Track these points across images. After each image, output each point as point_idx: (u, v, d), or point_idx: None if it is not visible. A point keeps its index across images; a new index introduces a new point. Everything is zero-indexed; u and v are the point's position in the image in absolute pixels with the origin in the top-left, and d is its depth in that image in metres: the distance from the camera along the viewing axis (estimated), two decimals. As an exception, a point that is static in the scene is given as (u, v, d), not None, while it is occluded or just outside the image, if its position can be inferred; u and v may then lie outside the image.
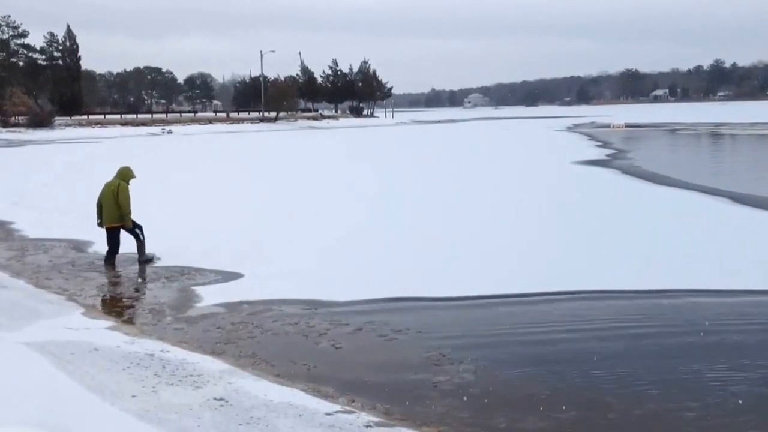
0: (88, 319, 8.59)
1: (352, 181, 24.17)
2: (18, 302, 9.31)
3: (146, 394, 5.99)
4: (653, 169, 26.85)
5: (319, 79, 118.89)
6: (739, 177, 24.40)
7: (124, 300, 9.85)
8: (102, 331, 8.11)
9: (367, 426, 5.56)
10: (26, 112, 71.01)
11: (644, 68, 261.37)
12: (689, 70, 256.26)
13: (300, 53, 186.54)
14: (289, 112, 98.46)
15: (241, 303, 9.29)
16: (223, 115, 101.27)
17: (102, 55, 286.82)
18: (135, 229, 11.72)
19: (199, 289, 10.03)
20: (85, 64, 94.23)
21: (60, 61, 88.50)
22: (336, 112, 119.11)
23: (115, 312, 9.20)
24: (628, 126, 72.38)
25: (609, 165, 29.12)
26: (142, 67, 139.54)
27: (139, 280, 10.78)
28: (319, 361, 7.16)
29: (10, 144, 54.08)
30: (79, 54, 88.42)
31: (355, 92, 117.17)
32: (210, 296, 9.65)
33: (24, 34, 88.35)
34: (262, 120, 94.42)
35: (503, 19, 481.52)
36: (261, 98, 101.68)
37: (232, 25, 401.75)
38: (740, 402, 6.02)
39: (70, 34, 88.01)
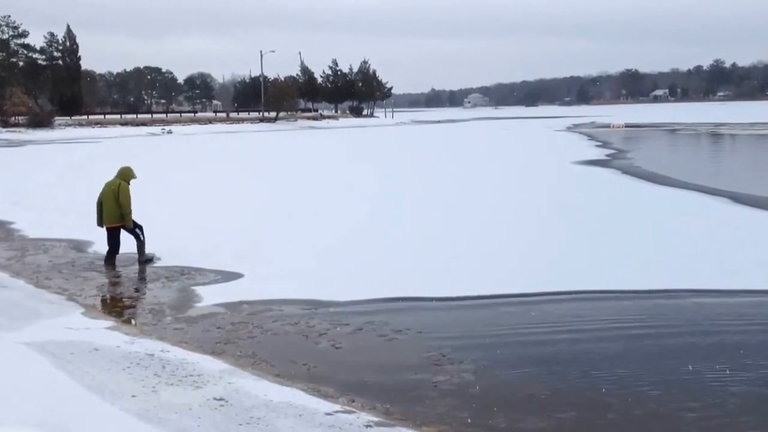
0: (88, 319, 8.59)
1: (352, 181, 24.17)
2: (18, 302, 9.31)
3: (146, 394, 5.99)
4: (653, 169, 26.85)
5: (319, 79, 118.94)
6: (739, 177, 24.41)
7: (124, 300, 9.84)
8: (102, 331, 8.11)
9: (367, 426, 5.56)
10: (26, 112, 71.00)
11: (644, 68, 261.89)
12: (689, 70, 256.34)
13: (300, 53, 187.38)
14: (289, 112, 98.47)
15: (241, 303, 9.29)
16: (223, 115, 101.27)
17: (102, 55, 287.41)
18: (135, 229, 11.72)
19: (199, 289, 10.02)
20: (85, 64, 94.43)
21: (60, 61, 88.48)
22: (336, 112, 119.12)
23: (115, 312, 9.20)
24: (627, 126, 72.41)
25: (609, 165, 29.12)
26: (142, 67, 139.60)
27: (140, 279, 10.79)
28: (319, 361, 7.16)
29: (10, 144, 54.08)
30: (79, 54, 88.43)
31: (355, 92, 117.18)
32: (210, 296, 9.64)
33: (24, 34, 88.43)
34: (262, 120, 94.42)
35: (503, 19, 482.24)
36: (261, 98, 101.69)
37: (232, 25, 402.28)
38: (741, 402, 6.02)
39: (70, 34, 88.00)
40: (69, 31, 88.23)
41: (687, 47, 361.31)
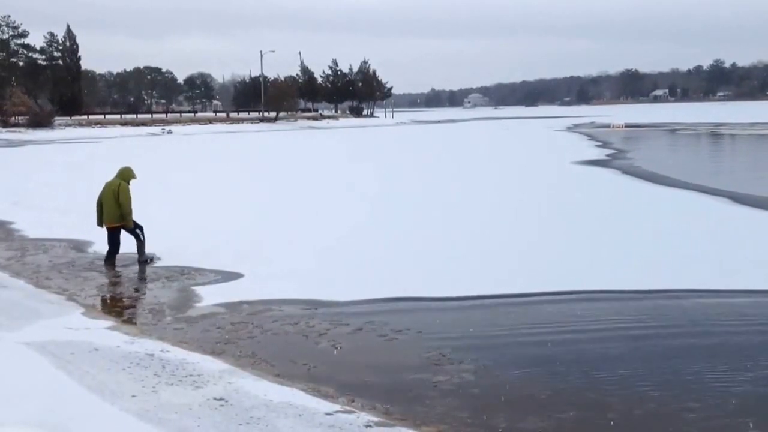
0: (88, 319, 8.59)
1: (352, 181, 24.17)
2: (18, 302, 9.31)
3: (146, 394, 5.99)
4: (653, 169, 26.85)
5: (319, 79, 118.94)
6: (739, 177, 24.41)
7: (124, 300, 9.84)
8: (102, 331, 8.11)
9: (367, 426, 5.56)
10: (26, 112, 71.01)
11: (644, 68, 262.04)
12: (689, 70, 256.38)
13: (300, 53, 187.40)
14: (289, 112, 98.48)
15: (241, 303, 9.29)
16: (223, 115, 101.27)
17: (102, 55, 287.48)
18: (135, 230, 11.72)
19: (199, 289, 10.02)
20: (85, 64, 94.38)
21: (60, 61, 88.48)
22: (336, 112, 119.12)
23: (115, 312, 9.20)
24: (627, 126, 72.40)
25: (609, 165, 29.12)
26: (142, 67, 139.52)
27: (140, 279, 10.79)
28: (319, 361, 7.16)
29: (10, 144, 54.08)
30: (79, 54, 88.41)
31: (355, 92, 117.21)
32: (210, 296, 9.64)
33: (24, 34, 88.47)
34: (262, 120, 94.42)
35: (503, 19, 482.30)
36: (261, 98, 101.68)
37: (232, 25, 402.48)
38: (741, 402, 6.02)
39: (70, 34, 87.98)
40: (69, 31, 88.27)
41: (687, 47, 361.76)
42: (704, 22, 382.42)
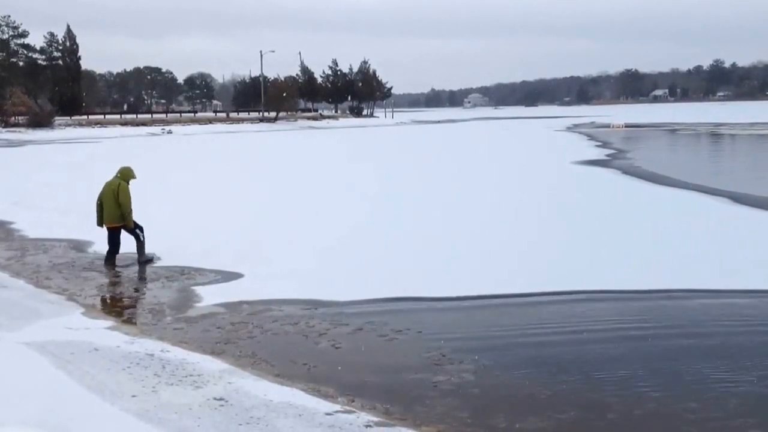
0: (88, 319, 8.59)
1: (352, 181, 24.17)
2: (18, 302, 9.31)
3: (146, 394, 5.99)
4: (653, 169, 26.86)
5: (319, 79, 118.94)
6: (739, 177, 24.41)
7: (124, 300, 9.84)
8: (102, 331, 8.11)
9: (367, 426, 5.56)
10: (26, 112, 71.02)
11: (644, 68, 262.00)
12: (689, 70, 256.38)
13: (300, 53, 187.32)
14: (288, 112, 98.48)
15: (241, 303, 9.29)
16: (223, 115, 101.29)
17: (102, 55, 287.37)
18: (135, 230, 11.71)
19: (199, 289, 10.02)
20: (85, 64, 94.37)
21: (60, 61, 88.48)
22: (336, 112, 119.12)
23: (115, 312, 9.20)
24: (627, 126, 72.41)
25: (609, 165, 29.12)
26: (142, 67, 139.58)
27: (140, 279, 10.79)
28: (319, 361, 7.16)
29: (10, 144, 54.07)
30: (79, 54, 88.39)
31: (355, 92, 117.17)
32: (210, 296, 9.64)
33: (24, 34, 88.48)
34: (262, 120, 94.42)
35: (503, 19, 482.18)
36: (261, 98, 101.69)
37: (232, 25, 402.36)
38: (741, 402, 6.02)
39: (70, 34, 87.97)
40: (69, 31, 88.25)
41: (687, 47, 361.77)
42: (704, 22, 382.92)
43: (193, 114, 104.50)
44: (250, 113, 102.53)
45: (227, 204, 18.73)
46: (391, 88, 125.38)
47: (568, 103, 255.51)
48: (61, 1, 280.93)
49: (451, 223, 14.96)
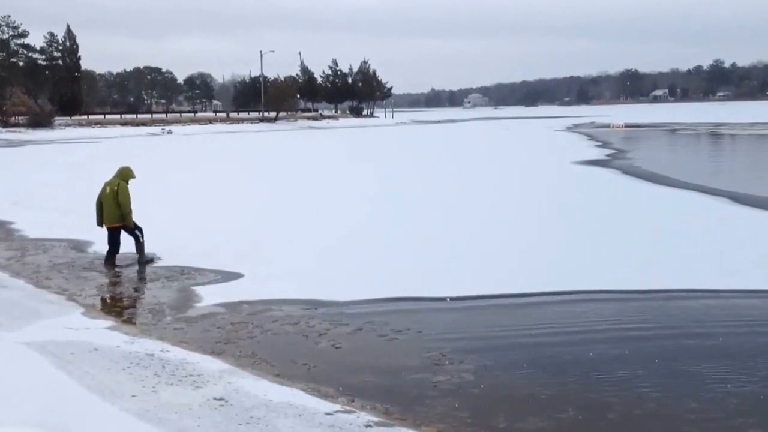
0: (88, 319, 8.59)
1: (352, 181, 24.17)
2: (18, 302, 9.31)
3: (146, 394, 5.99)
4: (653, 169, 26.85)
5: (319, 79, 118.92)
6: (739, 177, 24.41)
7: (124, 300, 9.84)
8: (102, 331, 8.11)
9: (367, 426, 5.56)
10: (26, 112, 71.01)
11: (644, 68, 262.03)
12: (689, 70, 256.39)
13: (300, 53, 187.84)
14: (288, 112, 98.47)
15: (241, 303, 9.29)
16: (223, 115, 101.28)
17: (102, 55, 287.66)
18: (135, 231, 11.71)
19: (199, 289, 10.02)
20: (85, 64, 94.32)
21: (60, 61, 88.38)
22: (336, 112, 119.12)
23: (115, 312, 9.19)
24: (627, 126, 72.40)
25: (609, 165, 29.12)
26: (142, 67, 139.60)
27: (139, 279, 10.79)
28: (319, 361, 7.16)
29: (10, 144, 54.07)
30: (79, 54, 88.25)
31: (354, 92, 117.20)
32: (210, 296, 9.64)
33: (24, 34, 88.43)
34: (261, 120, 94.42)
35: (503, 19, 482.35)
36: (261, 98, 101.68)
37: (232, 25, 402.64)
38: (741, 402, 6.02)
39: (70, 34, 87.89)
40: (69, 31, 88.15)
41: (687, 47, 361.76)
42: (704, 22, 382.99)
43: (193, 114, 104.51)
44: (250, 113, 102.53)
45: (227, 204, 18.73)
46: (391, 88, 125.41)
47: (568, 103, 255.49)
48: (61, 1, 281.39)
49: (451, 223, 14.96)
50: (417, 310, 8.97)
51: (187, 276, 10.84)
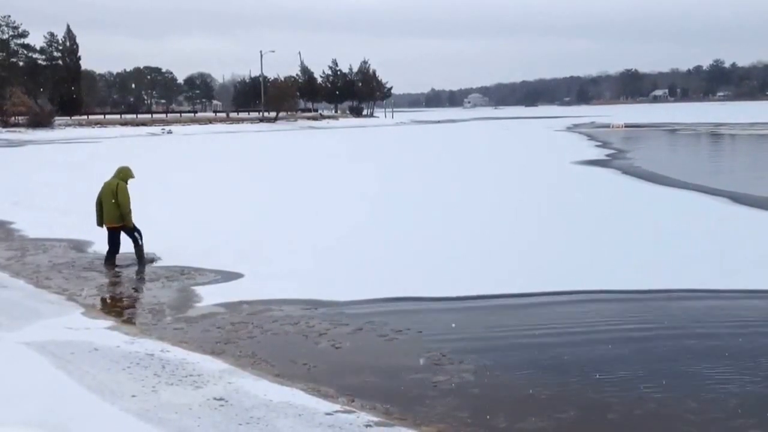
0: (88, 319, 8.59)
1: (352, 181, 24.17)
2: (18, 302, 9.31)
3: (146, 393, 5.99)
4: (653, 169, 26.85)
5: (319, 79, 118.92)
6: (739, 177, 24.42)
7: (124, 300, 9.84)
8: (102, 331, 8.11)
9: (367, 426, 5.56)
10: (26, 112, 71.02)
11: (644, 68, 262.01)
12: (689, 70, 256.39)
13: (300, 53, 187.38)
14: (288, 112, 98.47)
15: (241, 303, 9.29)
16: (223, 115, 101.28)
17: (102, 55, 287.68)
18: (134, 233, 11.69)
19: (199, 289, 10.02)
20: (85, 64, 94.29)
21: (60, 61, 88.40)
22: (336, 112, 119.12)
23: (115, 312, 9.19)
24: (627, 126, 72.40)
25: (609, 165, 29.13)
26: (142, 67, 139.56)
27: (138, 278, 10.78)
28: (319, 361, 7.16)
29: (10, 144, 54.07)
30: (79, 54, 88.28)
31: (354, 92, 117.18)
32: (210, 296, 9.64)
33: (24, 34, 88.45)
34: (261, 120, 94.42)
35: (503, 19, 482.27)
36: (261, 98, 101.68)
37: (232, 25, 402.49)
38: (741, 402, 6.02)
39: (70, 34, 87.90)
40: (69, 31, 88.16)
41: (687, 47, 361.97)
42: (704, 22, 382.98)
43: (193, 114, 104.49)
44: (250, 113, 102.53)
45: (227, 204, 18.72)
46: (391, 88, 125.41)
47: (568, 103, 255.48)
48: (61, 1, 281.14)
49: (451, 223, 14.96)
50: (417, 310, 8.97)
51: (187, 276, 10.83)
